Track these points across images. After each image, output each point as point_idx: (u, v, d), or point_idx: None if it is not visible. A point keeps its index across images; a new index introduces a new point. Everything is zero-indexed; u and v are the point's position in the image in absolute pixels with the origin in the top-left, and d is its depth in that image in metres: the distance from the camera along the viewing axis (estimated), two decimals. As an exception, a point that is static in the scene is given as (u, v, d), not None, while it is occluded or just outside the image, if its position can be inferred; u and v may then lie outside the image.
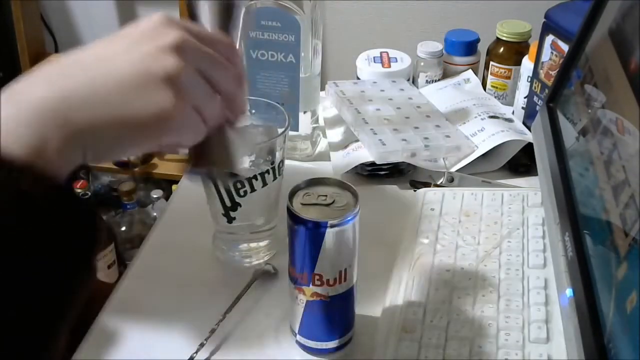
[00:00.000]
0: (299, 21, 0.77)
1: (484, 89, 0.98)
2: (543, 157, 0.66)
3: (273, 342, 0.62)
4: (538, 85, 0.86)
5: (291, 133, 0.73)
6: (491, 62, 0.96)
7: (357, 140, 0.85)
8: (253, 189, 0.65)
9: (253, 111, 0.71)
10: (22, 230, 0.34)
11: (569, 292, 0.52)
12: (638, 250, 0.43)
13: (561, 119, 0.67)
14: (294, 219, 0.53)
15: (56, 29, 1.91)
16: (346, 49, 1.30)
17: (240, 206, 0.66)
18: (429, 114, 0.88)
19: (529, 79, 0.87)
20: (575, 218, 0.56)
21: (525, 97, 0.89)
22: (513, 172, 0.84)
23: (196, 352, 0.60)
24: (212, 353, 0.61)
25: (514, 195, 0.74)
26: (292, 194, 0.55)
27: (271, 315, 0.65)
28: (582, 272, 0.51)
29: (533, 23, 0.93)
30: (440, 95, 0.95)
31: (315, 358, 0.60)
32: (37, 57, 1.75)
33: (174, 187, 1.76)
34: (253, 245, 0.71)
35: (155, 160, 1.85)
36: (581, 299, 0.49)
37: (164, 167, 1.83)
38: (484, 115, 0.88)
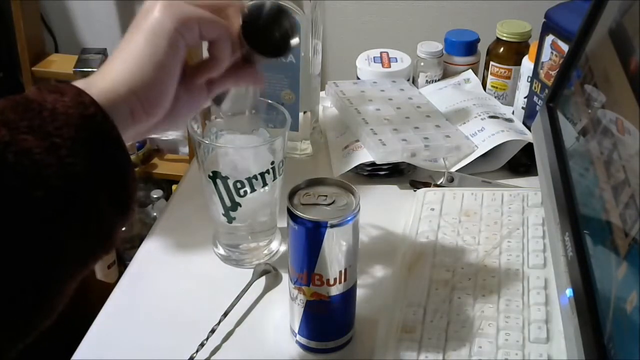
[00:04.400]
0: (299, 21, 0.77)
1: (484, 89, 0.98)
2: (543, 157, 0.66)
3: (273, 342, 0.62)
4: (538, 85, 0.86)
5: (291, 133, 0.73)
6: (491, 62, 0.96)
7: (357, 140, 0.85)
8: (253, 189, 0.65)
9: (253, 111, 0.71)
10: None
11: (569, 292, 0.52)
12: (638, 250, 0.43)
13: (561, 119, 0.67)
14: (294, 219, 0.53)
15: (56, 29, 1.91)
16: (346, 49, 1.30)
17: (240, 206, 0.66)
18: (429, 114, 0.88)
19: (529, 79, 0.87)
20: (575, 218, 0.56)
21: (525, 97, 0.89)
22: (513, 172, 0.84)
23: (196, 352, 0.60)
24: (212, 353, 0.61)
25: (514, 195, 0.74)
26: (292, 194, 0.55)
27: (271, 315, 0.65)
28: (582, 272, 0.50)
29: (533, 23, 0.93)
30: (440, 95, 0.95)
31: (315, 358, 0.60)
32: (37, 57, 1.75)
33: (174, 187, 1.76)
34: (253, 245, 0.71)
35: (155, 160, 1.85)
36: (581, 299, 0.49)
37: (164, 167, 1.83)
38: (484, 115, 0.88)
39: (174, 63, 0.49)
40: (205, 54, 0.54)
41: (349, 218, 0.53)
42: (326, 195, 0.55)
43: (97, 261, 0.44)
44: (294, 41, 0.54)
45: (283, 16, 0.53)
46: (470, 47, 1.00)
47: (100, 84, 0.45)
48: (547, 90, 0.77)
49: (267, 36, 0.53)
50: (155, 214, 1.70)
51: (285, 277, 0.66)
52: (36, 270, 0.40)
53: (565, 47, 0.79)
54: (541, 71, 0.85)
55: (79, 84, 0.44)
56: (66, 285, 0.43)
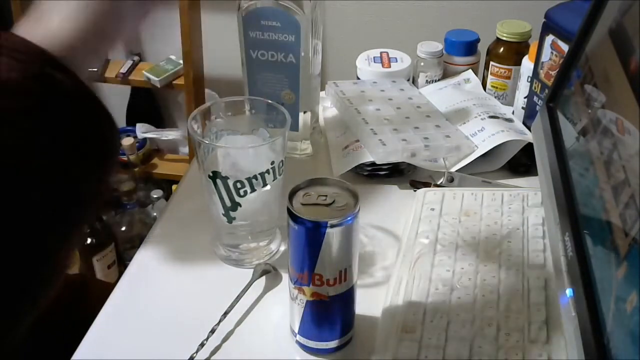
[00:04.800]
0: (299, 21, 0.77)
1: (484, 89, 0.98)
2: (543, 157, 0.66)
3: (273, 342, 0.62)
4: (538, 85, 0.86)
5: (291, 133, 0.73)
6: (491, 62, 0.96)
7: (357, 140, 0.85)
8: (253, 189, 0.65)
9: (253, 111, 0.71)
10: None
11: (569, 292, 0.52)
12: (638, 250, 0.43)
13: (561, 119, 0.67)
14: (294, 219, 0.53)
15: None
16: (346, 49, 1.30)
17: (240, 206, 0.66)
18: (429, 114, 0.88)
19: (529, 79, 0.87)
20: (575, 218, 0.56)
21: (525, 97, 0.89)
22: (513, 172, 0.84)
23: (196, 352, 0.60)
24: (212, 353, 0.61)
25: (514, 195, 0.74)
26: (292, 194, 0.55)
27: (271, 315, 0.65)
28: (582, 272, 0.50)
29: (533, 23, 0.93)
30: (440, 95, 0.95)
31: (315, 358, 0.60)
32: (37, 57, 1.75)
33: (174, 187, 1.76)
34: (253, 245, 0.71)
35: (155, 160, 1.86)
36: (581, 299, 0.49)
37: (164, 167, 1.84)
38: (484, 115, 0.88)
39: None
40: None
41: (349, 218, 0.53)
42: (326, 195, 0.55)
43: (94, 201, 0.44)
44: None
45: None
46: (470, 47, 1.00)
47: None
48: (547, 90, 0.77)
49: None
50: (155, 214, 1.70)
51: (285, 277, 0.66)
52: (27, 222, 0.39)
53: (565, 47, 0.79)
54: (541, 71, 0.85)
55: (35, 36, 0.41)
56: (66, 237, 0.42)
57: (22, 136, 0.38)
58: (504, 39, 0.94)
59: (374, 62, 0.98)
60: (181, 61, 1.68)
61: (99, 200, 0.44)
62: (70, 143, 0.41)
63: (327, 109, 0.95)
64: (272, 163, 0.65)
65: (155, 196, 1.70)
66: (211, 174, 0.65)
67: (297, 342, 0.60)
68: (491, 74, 0.97)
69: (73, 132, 0.41)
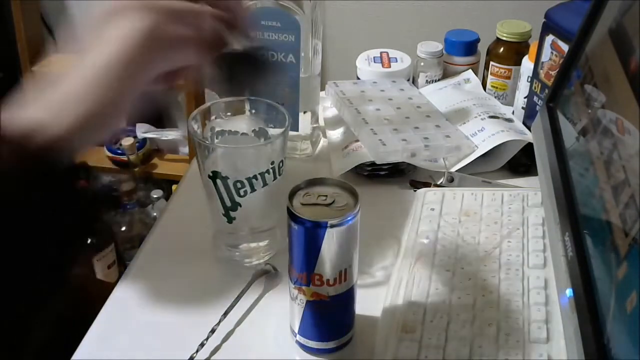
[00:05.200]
0: (299, 21, 0.77)
1: (484, 89, 0.98)
2: (543, 157, 0.66)
3: (273, 342, 0.62)
4: (538, 85, 0.86)
5: (291, 133, 0.73)
6: (491, 62, 0.96)
7: (357, 140, 0.85)
8: (253, 189, 0.65)
9: (253, 111, 0.71)
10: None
11: (569, 292, 0.52)
12: (638, 250, 0.43)
13: (561, 119, 0.67)
14: (294, 219, 0.53)
15: (56, 29, 1.91)
16: (346, 49, 1.30)
17: (240, 206, 0.66)
18: (429, 114, 0.88)
19: (529, 79, 0.87)
20: (575, 218, 0.56)
21: (525, 97, 0.89)
22: (513, 172, 0.84)
23: (196, 352, 0.60)
24: (212, 353, 0.61)
25: (514, 195, 0.74)
26: (292, 194, 0.55)
27: (271, 315, 0.65)
28: (582, 272, 0.50)
29: (533, 23, 0.93)
30: (440, 95, 0.95)
31: (315, 358, 0.60)
32: (37, 57, 1.75)
33: (174, 187, 1.76)
34: (253, 245, 0.71)
35: (155, 160, 1.85)
36: (581, 299, 0.49)
37: (164, 167, 1.83)
38: (484, 115, 0.88)
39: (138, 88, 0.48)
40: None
41: (349, 218, 0.53)
42: (326, 195, 0.55)
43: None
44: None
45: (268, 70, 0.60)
46: (470, 47, 1.00)
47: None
48: (547, 90, 0.77)
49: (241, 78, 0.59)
50: (155, 214, 1.70)
51: (285, 277, 0.66)
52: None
53: (565, 47, 0.79)
54: (541, 71, 0.85)
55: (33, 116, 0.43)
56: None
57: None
58: (504, 39, 0.94)
59: (374, 62, 0.98)
60: (181, 61, 1.68)
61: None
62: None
63: (327, 109, 0.95)
64: (272, 163, 0.65)
65: (155, 196, 1.70)
66: (211, 174, 0.65)
67: (297, 342, 0.60)
68: (491, 74, 0.97)
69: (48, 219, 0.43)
